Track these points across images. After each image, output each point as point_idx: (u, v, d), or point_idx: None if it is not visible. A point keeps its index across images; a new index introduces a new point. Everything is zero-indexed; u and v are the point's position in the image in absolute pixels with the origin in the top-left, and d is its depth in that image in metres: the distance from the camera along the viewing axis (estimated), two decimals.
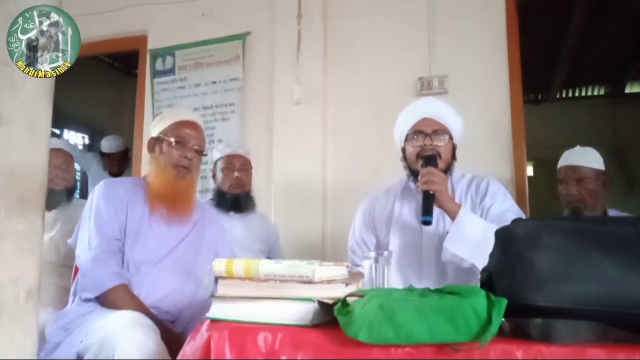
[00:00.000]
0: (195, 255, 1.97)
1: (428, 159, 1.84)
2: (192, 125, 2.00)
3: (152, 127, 2.05)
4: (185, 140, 1.95)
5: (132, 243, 1.86)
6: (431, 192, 1.74)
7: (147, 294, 1.79)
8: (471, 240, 1.69)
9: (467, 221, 1.73)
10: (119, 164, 4.55)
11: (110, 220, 1.85)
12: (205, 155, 2.07)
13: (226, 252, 2.07)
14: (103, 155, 4.60)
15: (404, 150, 2.00)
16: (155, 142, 2.01)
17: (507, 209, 1.87)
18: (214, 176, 2.83)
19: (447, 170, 1.93)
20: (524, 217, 1.89)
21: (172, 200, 1.93)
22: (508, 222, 1.73)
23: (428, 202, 1.74)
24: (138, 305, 1.72)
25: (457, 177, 2.01)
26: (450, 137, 1.94)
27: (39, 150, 1.06)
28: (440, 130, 1.91)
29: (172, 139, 1.94)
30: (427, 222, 1.73)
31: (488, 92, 3.03)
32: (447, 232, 1.78)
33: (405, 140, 1.97)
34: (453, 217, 1.75)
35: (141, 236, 1.88)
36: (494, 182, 1.97)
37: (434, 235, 1.89)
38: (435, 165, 1.81)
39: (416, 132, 1.92)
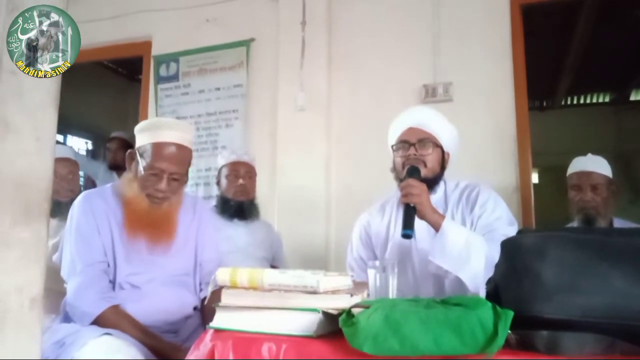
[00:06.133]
0: (188, 265, 1.93)
1: (411, 170, 1.81)
2: (171, 150, 1.80)
3: (136, 132, 1.88)
4: (160, 172, 1.78)
5: (122, 260, 1.79)
6: (412, 204, 1.70)
7: (144, 309, 1.74)
8: (454, 252, 1.65)
9: (450, 233, 1.68)
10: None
11: (93, 242, 1.77)
12: (186, 181, 1.90)
13: (211, 253, 2.00)
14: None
15: (393, 161, 1.98)
16: (132, 158, 1.87)
17: (497, 217, 1.83)
18: (218, 183, 2.83)
19: (436, 179, 1.91)
20: (515, 224, 1.87)
21: (150, 226, 1.81)
22: (498, 231, 1.75)
23: (409, 215, 1.69)
24: (131, 325, 1.67)
25: (451, 188, 1.97)
26: (437, 146, 1.91)
27: (45, 159, 1.06)
28: (426, 139, 1.89)
29: (146, 168, 1.78)
30: (408, 236, 1.68)
31: (493, 99, 3.03)
32: None
33: (394, 150, 1.96)
34: (436, 229, 1.70)
35: (129, 255, 1.80)
36: (484, 190, 1.93)
37: (427, 250, 1.83)
38: (418, 176, 1.78)
39: (402, 142, 1.92)
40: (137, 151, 1.84)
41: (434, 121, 1.93)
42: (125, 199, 1.83)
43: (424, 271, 1.87)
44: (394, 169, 1.97)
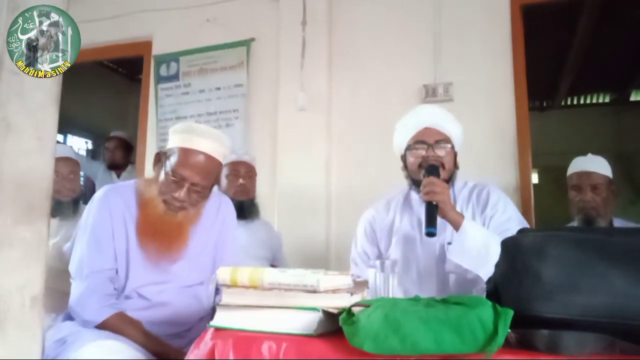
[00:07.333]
0: (203, 273, 1.88)
1: (430, 169, 1.81)
2: (199, 159, 1.69)
3: (170, 132, 1.80)
4: (181, 180, 1.69)
5: (134, 269, 1.75)
6: (434, 202, 1.70)
7: (147, 320, 1.71)
8: (474, 251, 1.66)
9: (470, 232, 1.69)
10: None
11: (105, 248, 1.72)
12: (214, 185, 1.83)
13: (232, 261, 1.92)
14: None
15: (404, 159, 1.97)
16: (158, 159, 1.79)
17: (508, 218, 1.84)
18: (218, 183, 2.83)
19: (450, 179, 1.91)
20: (526, 224, 1.88)
21: (160, 234, 1.73)
22: (510, 232, 1.75)
23: (431, 213, 1.70)
24: (135, 330, 1.64)
25: (459, 186, 1.98)
26: (452, 146, 1.91)
27: (46, 158, 1.06)
28: (443, 140, 1.89)
29: (169, 172, 1.69)
30: (432, 234, 1.69)
31: (493, 100, 3.03)
32: (448, 243, 1.75)
33: (407, 149, 1.94)
34: (456, 228, 1.71)
35: (142, 263, 1.76)
36: (494, 190, 1.94)
37: (433, 247, 1.86)
38: (438, 175, 1.78)
39: (418, 142, 1.90)
40: (164, 153, 1.76)
41: (449, 122, 1.92)
42: (142, 200, 1.76)
43: (428, 268, 1.88)
44: (406, 168, 1.96)
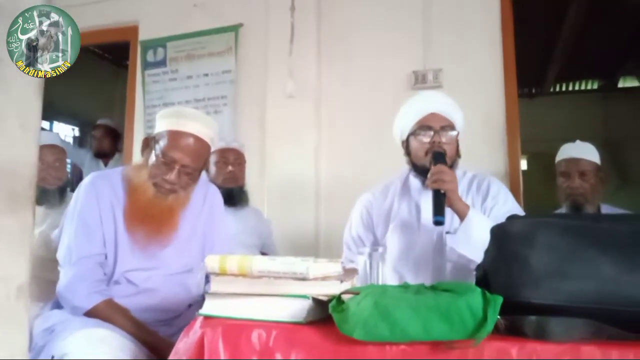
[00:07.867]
0: (192, 260, 1.87)
1: (437, 156, 1.78)
2: (188, 141, 1.72)
3: (157, 118, 1.82)
4: (172, 162, 1.70)
5: (122, 254, 1.74)
6: (442, 191, 1.68)
7: (135, 306, 1.70)
8: (479, 242, 1.63)
9: (476, 223, 1.67)
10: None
11: (94, 233, 1.72)
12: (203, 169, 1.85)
13: (222, 249, 1.91)
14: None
15: (406, 145, 1.95)
16: (147, 144, 1.81)
17: (508, 210, 1.80)
18: (207, 170, 2.81)
19: (451, 167, 1.87)
20: None
21: (150, 217, 1.73)
22: None
23: (439, 201, 1.67)
24: (125, 319, 1.63)
25: (459, 175, 1.93)
26: (457, 133, 1.89)
27: (30, 145, 1.04)
28: (448, 126, 1.87)
29: (159, 156, 1.71)
30: (440, 223, 1.67)
31: (482, 86, 3.03)
32: (447, 232, 1.75)
33: (411, 134, 1.91)
34: (462, 218, 1.70)
35: (131, 249, 1.75)
36: (494, 182, 1.93)
37: (430, 234, 1.85)
38: (445, 163, 1.76)
39: (423, 127, 1.87)
40: (153, 138, 1.77)
41: (453, 108, 1.91)
42: (131, 186, 1.76)
43: (425, 256, 1.86)
44: (408, 154, 1.95)
